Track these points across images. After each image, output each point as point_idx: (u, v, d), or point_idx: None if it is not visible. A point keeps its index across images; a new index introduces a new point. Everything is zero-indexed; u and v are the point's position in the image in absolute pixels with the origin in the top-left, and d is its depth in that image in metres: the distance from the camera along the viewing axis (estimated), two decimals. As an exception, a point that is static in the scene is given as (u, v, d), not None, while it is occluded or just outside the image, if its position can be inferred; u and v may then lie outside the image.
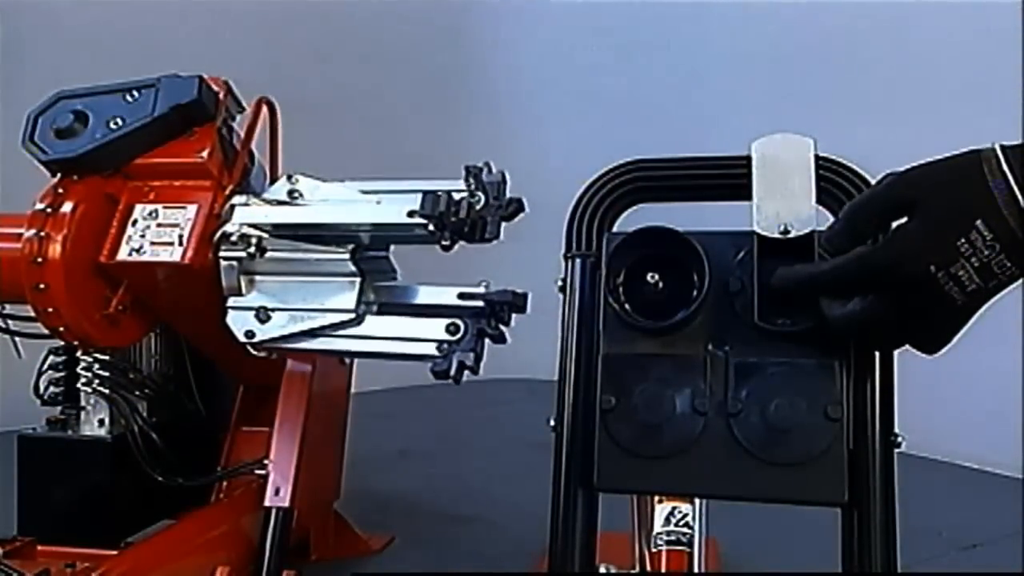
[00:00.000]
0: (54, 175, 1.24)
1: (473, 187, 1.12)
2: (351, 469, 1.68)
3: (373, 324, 1.17)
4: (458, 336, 1.10)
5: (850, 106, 2.66)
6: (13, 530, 1.26)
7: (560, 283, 0.81)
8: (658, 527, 1.06)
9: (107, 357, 1.29)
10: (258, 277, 1.20)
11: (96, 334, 1.21)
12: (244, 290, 1.19)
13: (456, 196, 1.11)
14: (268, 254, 1.18)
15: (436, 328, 1.12)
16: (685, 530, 1.05)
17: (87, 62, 2.42)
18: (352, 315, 1.16)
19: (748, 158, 0.76)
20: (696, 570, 1.05)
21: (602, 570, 0.99)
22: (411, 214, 1.11)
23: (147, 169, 1.25)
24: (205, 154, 1.23)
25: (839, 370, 0.72)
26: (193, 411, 1.46)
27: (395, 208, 1.13)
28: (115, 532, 1.25)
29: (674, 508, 1.06)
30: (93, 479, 1.28)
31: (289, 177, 1.24)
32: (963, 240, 0.62)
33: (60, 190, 1.20)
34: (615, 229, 0.81)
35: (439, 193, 1.10)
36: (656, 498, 1.09)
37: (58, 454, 1.29)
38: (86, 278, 1.19)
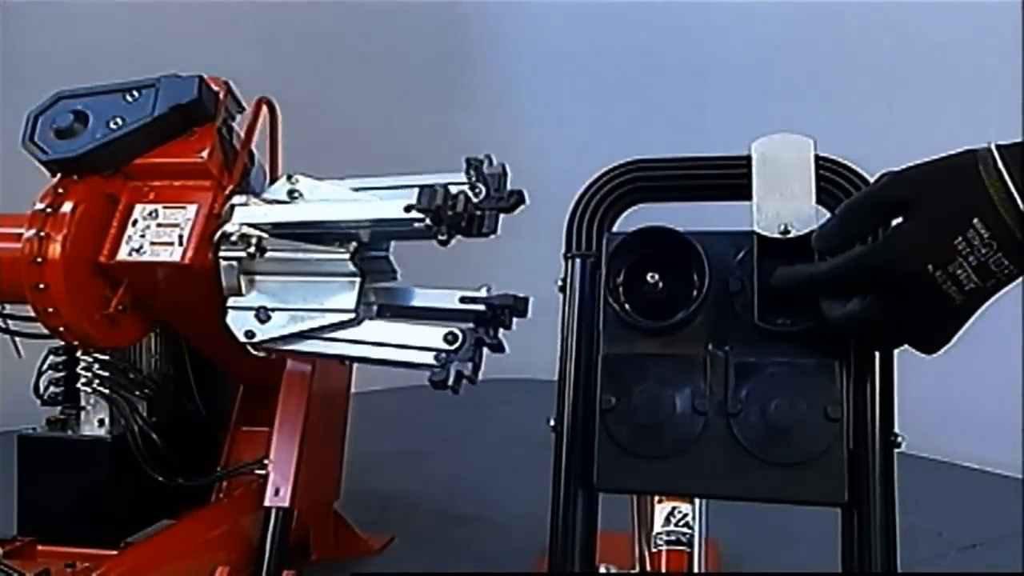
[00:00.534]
0: (54, 175, 1.24)
1: (474, 179, 1.12)
2: (351, 469, 1.68)
3: (372, 329, 1.17)
4: (456, 345, 1.10)
5: (851, 106, 2.66)
6: (13, 530, 1.26)
7: (560, 283, 0.81)
8: (658, 527, 1.06)
9: (107, 357, 1.29)
10: (258, 277, 1.20)
11: (96, 334, 1.21)
12: (244, 290, 1.19)
13: (453, 189, 1.11)
14: (268, 254, 1.18)
15: (434, 337, 1.11)
16: (685, 530, 1.05)
17: (87, 62, 2.42)
18: (352, 315, 1.16)
19: (748, 158, 0.76)
20: (696, 570, 1.05)
21: (602, 570, 0.99)
22: (408, 208, 1.10)
23: (147, 169, 1.25)
24: (205, 154, 1.23)
25: (839, 370, 0.72)
26: (193, 411, 1.46)
27: (392, 203, 1.13)
28: (115, 532, 1.25)
29: (674, 508, 1.06)
30: (93, 479, 1.28)
31: (289, 177, 1.24)
32: (960, 239, 0.62)
33: (60, 190, 1.20)
34: (615, 229, 0.81)
35: (436, 187, 1.10)
36: (656, 498, 1.09)
37: (58, 454, 1.29)
38: (86, 278, 1.19)
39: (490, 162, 1.14)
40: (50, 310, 1.17)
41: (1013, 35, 2.10)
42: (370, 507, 1.83)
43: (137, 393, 1.34)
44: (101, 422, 1.30)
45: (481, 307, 1.15)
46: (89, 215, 1.19)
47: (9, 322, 1.30)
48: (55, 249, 1.16)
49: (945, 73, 2.48)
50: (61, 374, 1.33)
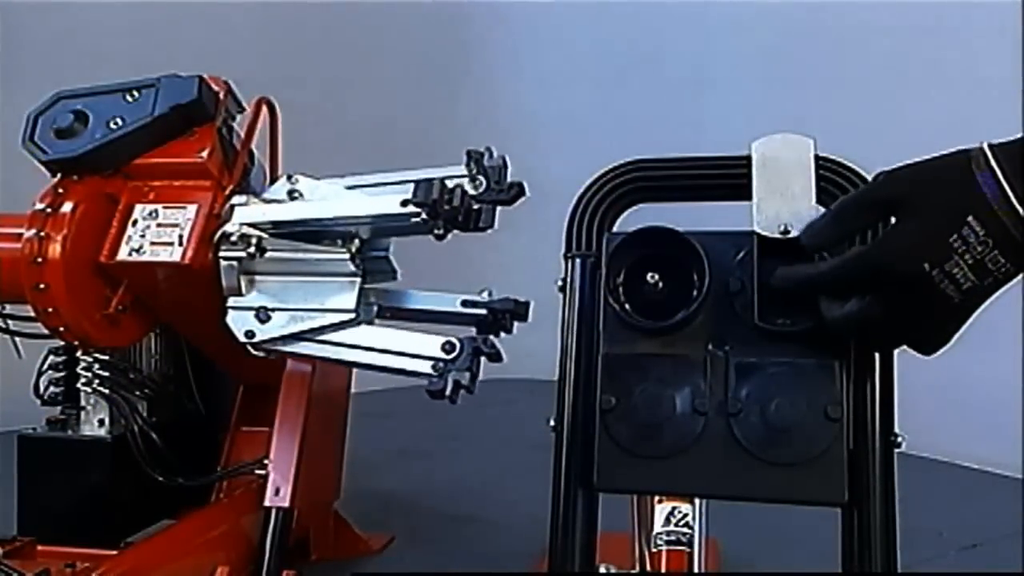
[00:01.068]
0: (54, 175, 1.24)
1: (474, 171, 1.12)
2: (351, 469, 1.68)
3: (371, 335, 1.16)
4: (454, 355, 1.10)
5: (851, 106, 2.66)
6: (13, 530, 1.26)
7: (560, 283, 0.81)
8: (658, 527, 1.06)
9: (107, 357, 1.29)
10: (258, 277, 1.19)
11: (96, 334, 1.21)
12: (244, 290, 1.19)
13: (450, 183, 1.11)
14: (268, 254, 1.17)
15: (432, 345, 1.11)
16: (685, 530, 1.05)
17: (87, 62, 2.42)
18: (352, 315, 1.16)
19: (748, 158, 0.76)
20: (696, 570, 1.05)
21: (602, 570, 0.99)
22: (404, 203, 1.10)
23: (147, 169, 1.25)
24: (205, 154, 1.23)
25: (839, 370, 0.72)
26: (193, 411, 1.46)
27: (389, 198, 1.13)
28: (115, 532, 1.25)
29: (674, 508, 1.06)
30: (93, 479, 1.28)
31: (289, 177, 1.24)
32: (956, 237, 0.62)
33: (60, 190, 1.20)
34: (615, 229, 0.81)
35: (432, 181, 1.10)
36: (656, 498, 1.09)
37: (58, 454, 1.29)
38: (86, 278, 1.19)
39: (490, 154, 1.14)
40: (50, 310, 1.17)
41: (1013, 35, 2.10)
42: (370, 507, 1.83)
43: (137, 393, 1.34)
44: (101, 422, 1.30)
45: (482, 311, 1.15)
46: (89, 215, 1.19)
47: (9, 322, 1.30)
48: (55, 249, 1.16)
49: (945, 73, 2.48)
50: (61, 374, 1.33)
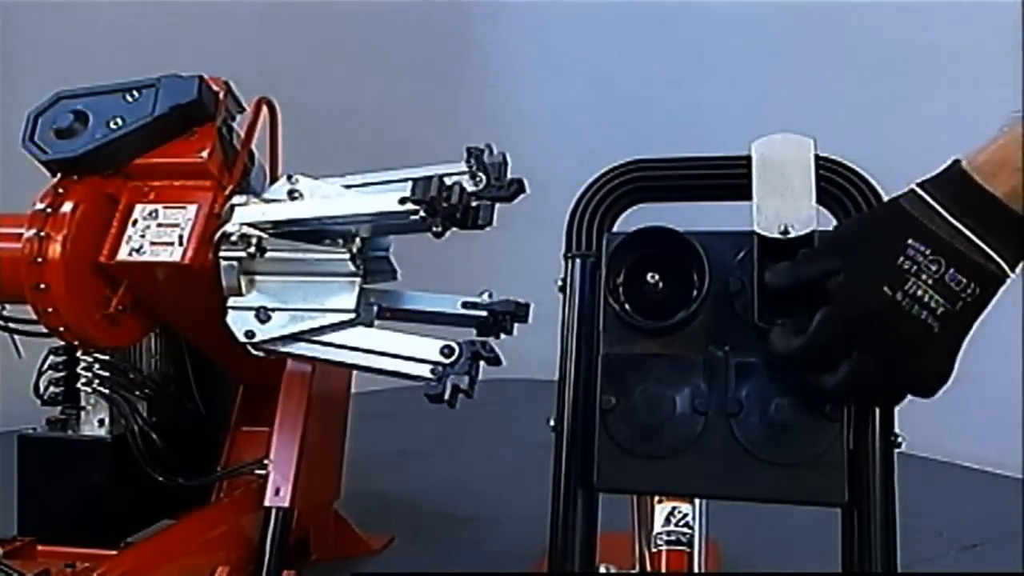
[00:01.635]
0: (54, 175, 1.24)
1: (474, 168, 1.12)
2: (351, 469, 1.68)
3: (371, 337, 1.17)
4: (453, 359, 1.10)
5: (851, 106, 2.66)
6: (13, 530, 1.26)
7: (560, 283, 0.81)
8: (658, 527, 1.06)
9: (107, 357, 1.29)
10: (258, 277, 1.20)
11: (96, 334, 1.21)
12: (244, 290, 1.19)
13: (448, 181, 1.11)
14: (268, 254, 1.18)
15: (431, 349, 1.11)
16: (685, 530, 1.05)
17: (87, 62, 2.42)
18: (352, 315, 1.16)
19: (748, 158, 0.76)
20: (696, 570, 1.05)
21: (602, 570, 0.99)
22: (403, 201, 1.10)
23: (147, 169, 1.25)
24: (205, 154, 1.23)
25: (839, 370, 0.71)
26: (193, 411, 1.46)
27: (388, 196, 1.13)
28: (115, 532, 1.25)
29: (674, 508, 1.06)
30: (93, 479, 1.28)
31: (289, 177, 1.24)
32: (902, 259, 0.64)
33: (60, 190, 1.20)
34: (615, 229, 0.81)
35: (430, 178, 1.10)
36: (656, 498, 1.09)
37: (58, 454, 1.29)
38: (86, 278, 1.19)
39: (490, 151, 1.14)
40: (50, 310, 1.17)
41: (1013, 35, 2.10)
42: (370, 507, 1.83)
43: (137, 393, 1.34)
44: (101, 422, 1.30)
45: (483, 313, 1.15)
46: (89, 215, 1.19)
47: (9, 322, 1.30)
48: (55, 249, 1.16)
49: (945, 72, 2.48)
50: (61, 374, 1.33)
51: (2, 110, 1.65)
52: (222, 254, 1.18)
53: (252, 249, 1.16)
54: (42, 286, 1.16)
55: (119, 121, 1.23)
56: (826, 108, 2.64)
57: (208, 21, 2.95)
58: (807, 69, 2.84)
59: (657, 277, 0.75)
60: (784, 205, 0.74)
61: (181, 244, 1.18)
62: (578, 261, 0.80)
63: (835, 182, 0.76)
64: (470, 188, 1.13)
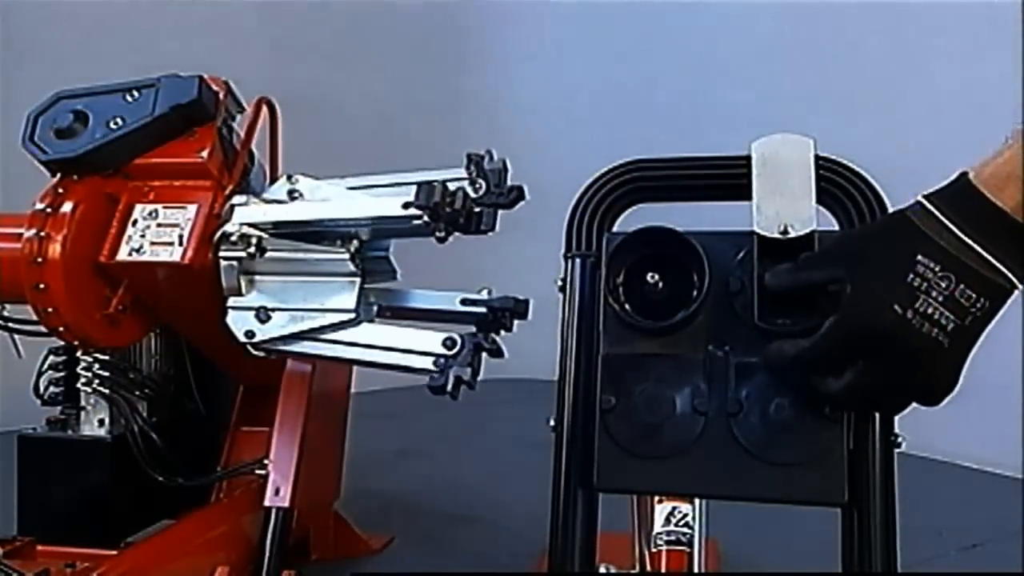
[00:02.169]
0: (54, 175, 1.24)
1: (474, 174, 1.12)
2: (351, 469, 1.68)
3: (372, 333, 1.17)
4: (455, 351, 1.10)
5: (851, 105, 2.66)
6: (13, 530, 1.26)
7: (560, 283, 0.81)
8: (658, 527, 1.06)
9: (107, 357, 1.29)
10: (258, 277, 1.20)
11: (96, 334, 1.21)
12: (244, 290, 1.19)
13: (451, 186, 1.11)
14: (268, 254, 1.18)
15: (433, 341, 1.11)
16: (685, 530, 1.05)
17: (87, 62, 2.42)
18: (352, 315, 1.16)
19: (748, 158, 0.76)
20: (696, 570, 1.05)
21: (602, 570, 0.99)
22: (406, 205, 1.10)
23: (147, 169, 1.25)
24: (205, 154, 1.23)
25: (839, 370, 0.71)
26: (193, 411, 1.46)
27: (391, 200, 1.13)
28: (115, 532, 1.25)
29: (674, 508, 1.06)
30: (93, 479, 1.28)
31: (289, 177, 1.24)
32: (912, 276, 0.63)
33: (60, 190, 1.20)
34: (615, 229, 0.81)
35: (434, 183, 1.10)
36: (656, 498, 1.09)
37: (58, 454, 1.29)
38: (86, 278, 1.19)
39: (491, 157, 1.14)
40: (50, 310, 1.17)
41: (1013, 35, 2.10)
42: (370, 507, 1.83)
43: (137, 393, 1.34)
44: (101, 422, 1.30)
45: (482, 309, 1.15)
46: (89, 215, 1.19)
47: (9, 322, 1.30)
48: (55, 249, 1.16)
49: (944, 72, 2.48)
50: (61, 374, 1.33)
51: (2, 110, 1.65)
52: (222, 254, 1.18)
53: (252, 249, 1.16)
54: (42, 286, 1.16)
55: (119, 121, 1.23)
56: (826, 108, 2.63)
57: (209, 21, 2.95)
58: (807, 69, 2.84)
59: (657, 277, 0.75)
60: (784, 205, 0.74)
61: (181, 244, 1.18)
62: (578, 261, 0.80)
63: (835, 182, 0.76)
64: (470, 194, 1.13)
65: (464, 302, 1.18)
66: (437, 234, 1.10)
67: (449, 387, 1.08)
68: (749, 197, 0.75)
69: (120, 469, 1.29)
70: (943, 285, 0.63)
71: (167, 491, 1.32)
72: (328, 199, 1.22)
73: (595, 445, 0.74)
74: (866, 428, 0.71)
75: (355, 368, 1.62)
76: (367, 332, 1.16)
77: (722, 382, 0.73)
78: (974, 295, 0.63)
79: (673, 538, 1.05)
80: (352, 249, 1.16)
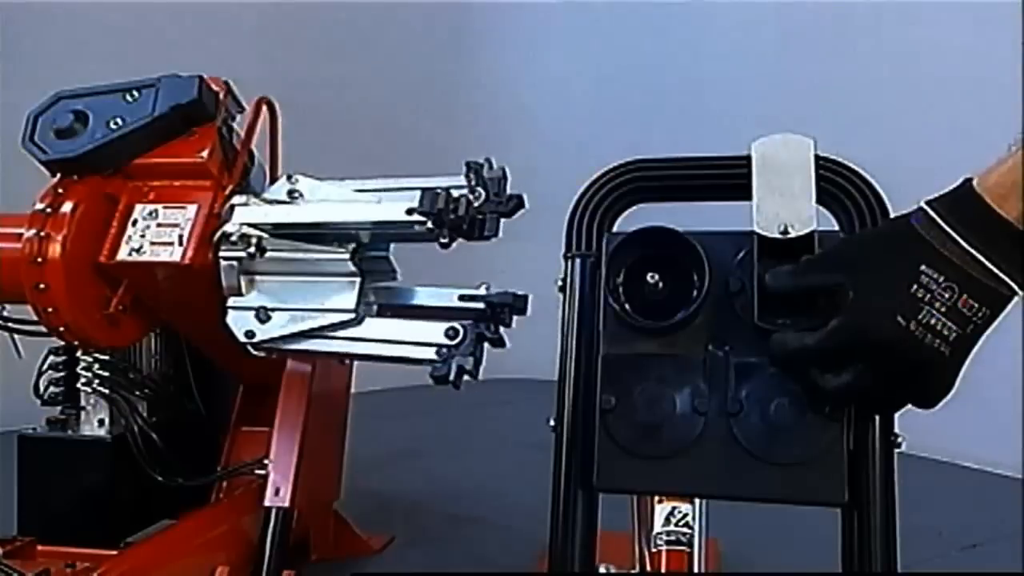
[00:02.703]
0: (54, 175, 1.24)
1: (474, 183, 1.12)
2: (351, 469, 1.68)
3: (373, 326, 1.17)
4: (457, 340, 1.10)
5: (852, 106, 2.66)
6: (13, 530, 1.26)
7: (560, 283, 0.81)
8: (658, 527, 1.06)
9: (107, 357, 1.29)
10: (258, 277, 1.20)
11: (96, 334, 1.21)
12: (244, 290, 1.19)
13: (455, 193, 1.11)
14: (268, 254, 1.18)
15: (435, 332, 1.11)
16: (685, 530, 1.05)
17: (87, 62, 2.42)
18: (352, 315, 1.16)
19: (748, 158, 0.76)
20: (696, 570, 1.05)
21: (602, 570, 0.99)
22: (410, 212, 1.11)
23: (147, 169, 1.25)
24: (205, 154, 1.23)
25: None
26: (193, 411, 1.46)
27: (394, 206, 1.13)
28: (115, 532, 1.25)
29: (674, 508, 1.06)
30: (93, 479, 1.28)
31: (289, 177, 1.24)
32: (916, 287, 0.63)
33: (60, 190, 1.20)
34: (615, 229, 0.81)
35: (437, 190, 1.10)
36: (656, 498, 1.09)
37: (58, 454, 1.29)
38: (86, 278, 1.19)
39: (490, 166, 1.14)
40: (50, 310, 1.17)
41: (1014, 35, 2.10)
42: (370, 507, 1.83)
43: (137, 393, 1.34)
44: (101, 422, 1.30)
45: (480, 305, 1.15)
46: (89, 215, 1.19)
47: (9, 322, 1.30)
48: (55, 249, 1.16)
49: (944, 73, 2.48)
50: (61, 374, 1.33)
51: (2, 110, 1.65)
52: (222, 254, 1.18)
53: (252, 249, 1.16)
54: (42, 286, 1.15)
55: (119, 121, 1.23)
56: (826, 108, 2.64)
57: (208, 21, 2.95)
58: (807, 69, 2.84)
59: (657, 277, 0.75)
60: (784, 205, 0.74)
61: (181, 244, 1.18)
62: (578, 261, 0.80)
63: (835, 182, 0.76)
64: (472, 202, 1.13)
65: (462, 298, 1.17)
66: (441, 240, 1.11)
67: (452, 376, 1.08)
68: (749, 197, 0.75)
69: (120, 469, 1.29)
70: (946, 296, 0.63)
71: (167, 491, 1.32)
72: (328, 200, 1.21)
73: (595, 445, 0.74)
74: (866, 428, 0.71)
75: (355, 368, 1.62)
76: (368, 327, 1.17)
77: (722, 382, 0.73)
78: (976, 304, 0.63)
79: (673, 538, 1.05)
80: (352, 249, 1.16)
